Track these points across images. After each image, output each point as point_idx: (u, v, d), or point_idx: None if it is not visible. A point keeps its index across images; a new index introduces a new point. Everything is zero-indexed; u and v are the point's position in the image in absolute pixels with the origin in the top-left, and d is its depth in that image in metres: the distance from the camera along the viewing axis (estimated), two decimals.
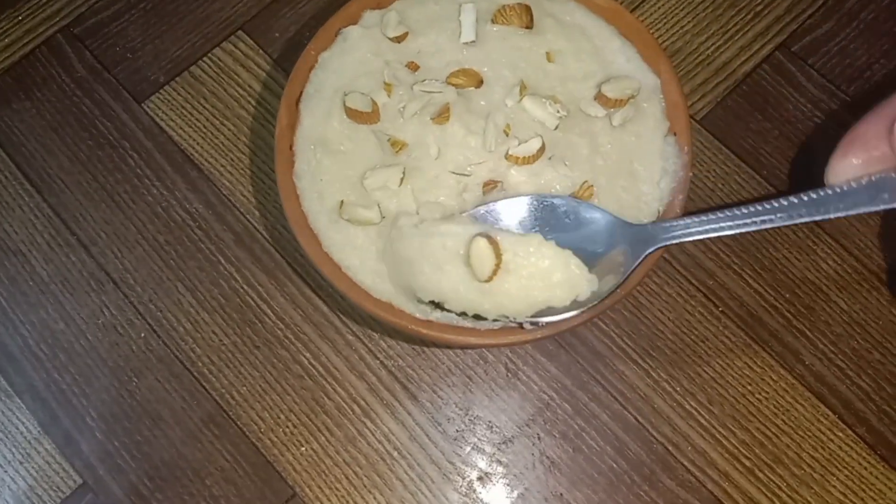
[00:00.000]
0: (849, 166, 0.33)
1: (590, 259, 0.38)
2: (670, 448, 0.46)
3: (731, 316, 0.49)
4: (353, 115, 0.40)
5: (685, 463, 0.46)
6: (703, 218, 0.37)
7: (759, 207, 0.35)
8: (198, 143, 0.53)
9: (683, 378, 0.47)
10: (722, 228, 0.36)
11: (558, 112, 0.41)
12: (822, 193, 0.34)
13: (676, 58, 0.54)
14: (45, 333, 0.49)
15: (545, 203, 0.39)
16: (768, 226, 0.35)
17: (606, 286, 0.38)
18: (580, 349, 0.48)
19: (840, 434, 0.46)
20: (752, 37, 0.55)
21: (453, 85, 0.41)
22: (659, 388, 0.47)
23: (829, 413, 0.47)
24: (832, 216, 0.34)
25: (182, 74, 0.54)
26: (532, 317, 0.38)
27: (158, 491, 0.46)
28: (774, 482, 0.46)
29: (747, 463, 0.46)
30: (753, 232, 0.36)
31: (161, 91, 0.54)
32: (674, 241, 0.38)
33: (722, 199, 0.51)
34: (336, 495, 0.46)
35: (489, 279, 0.37)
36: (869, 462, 0.46)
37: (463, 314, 0.39)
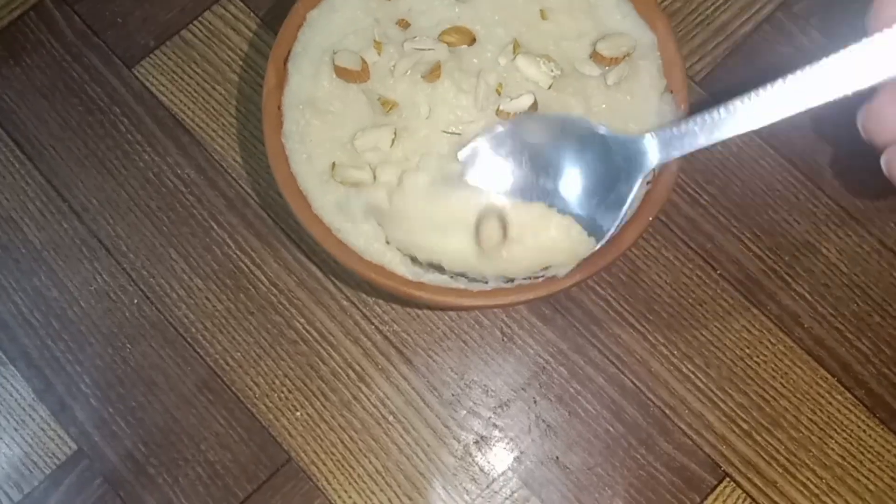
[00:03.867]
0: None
1: (593, 193, 0.38)
2: (667, 411, 0.46)
3: (729, 279, 0.48)
4: (342, 73, 0.40)
5: (682, 426, 0.46)
6: (708, 117, 0.32)
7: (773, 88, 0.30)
8: (189, 108, 0.52)
9: (680, 341, 0.47)
10: (738, 126, 0.31)
11: (552, 71, 0.40)
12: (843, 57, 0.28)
13: (675, 18, 0.53)
14: (37, 301, 0.49)
15: (542, 123, 0.39)
16: (790, 112, 0.30)
17: (609, 222, 0.38)
18: (576, 313, 0.48)
19: (839, 397, 0.46)
20: None
21: (445, 43, 0.40)
22: (656, 352, 0.47)
23: (828, 376, 0.46)
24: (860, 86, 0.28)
25: (172, 38, 0.53)
26: (532, 276, 0.39)
27: (153, 456, 0.46)
28: (772, 445, 0.45)
29: (745, 426, 0.46)
30: (771, 125, 0.31)
31: (151, 56, 0.53)
32: (675, 155, 0.35)
33: (720, 161, 0.50)
34: (331, 460, 0.46)
35: (494, 251, 0.38)
36: (868, 425, 0.46)
37: (460, 275, 0.39)
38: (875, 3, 0.28)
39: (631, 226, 0.39)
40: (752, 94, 0.31)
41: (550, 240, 0.38)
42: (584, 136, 0.38)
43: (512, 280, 0.39)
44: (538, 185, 0.39)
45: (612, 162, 0.38)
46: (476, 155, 0.39)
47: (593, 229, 0.38)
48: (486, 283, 0.39)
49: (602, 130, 0.38)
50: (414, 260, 0.39)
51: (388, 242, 0.39)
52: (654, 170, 0.38)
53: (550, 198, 0.39)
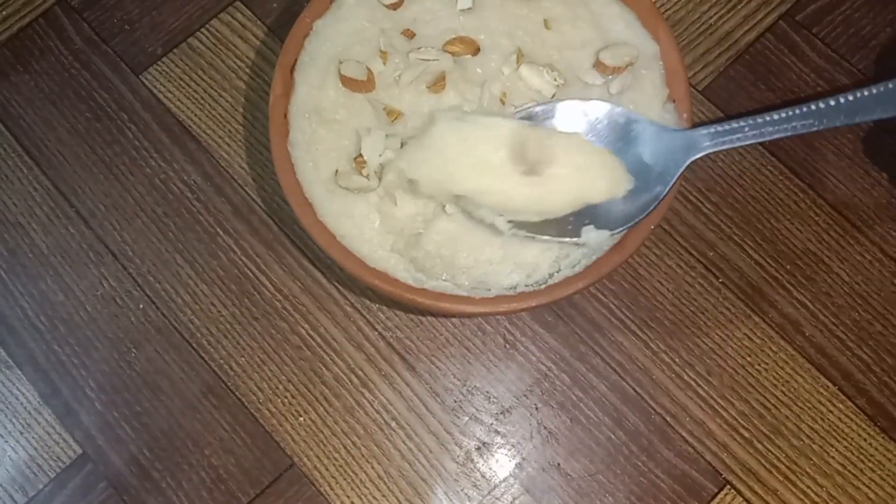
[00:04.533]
0: None
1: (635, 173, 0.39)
2: (668, 419, 0.46)
3: (731, 287, 0.48)
4: (348, 83, 0.40)
5: (683, 434, 0.46)
6: (755, 120, 0.36)
7: (819, 106, 0.34)
8: (195, 115, 0.52)
9: (682, 349, 0.47)
10: (778, 131, 0.36)
11: (555, 80, 0.41)
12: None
13: (678, 27, 0.54)
14: (44, 305, 0.49)
15: (581, 108, 0.40)
16: (828, 125, 0.34)
17: (639, 205, 0.38)
18: (578, 320, 0.48)
19: (840, 405, 0.46)
20: (756, 6, 0.54)
21: (449, 52, 0.41)
22: (657, 359, 0.47)
23: (829, 384, 0.47)
24: None
25: (180, 46, 0.54)
26: (570, 216, 0.39)
27: (158, 461, 0.46)
28: (773, 453, 0.46)
29: (746, 434, 0.46)
30: (809, 133, 0.35)
31: (159, 63, 0.54)
32: (722, 147, 0.38)
33: (722, 170, 0.50)
34: (334, 465, 0.46)
35: (533, 173, 0.37)
36: (868, 433, 0.46)
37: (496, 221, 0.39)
38: None
39: (633, 233, 0.39)
40: (805, 105, 0.35)
41: (590, 165, 0.38)
42: (632, 122, 0.39)
43: (546, 221, 0.39)
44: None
45: (659, 149, 0.39)
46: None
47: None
48: (489, 291, 0.39)
49: (650, 121, 0.39)
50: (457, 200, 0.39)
51: (392, 250, 0.40)
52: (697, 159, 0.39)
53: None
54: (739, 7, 0.54)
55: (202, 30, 0.54)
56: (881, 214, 0.49)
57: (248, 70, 0.53)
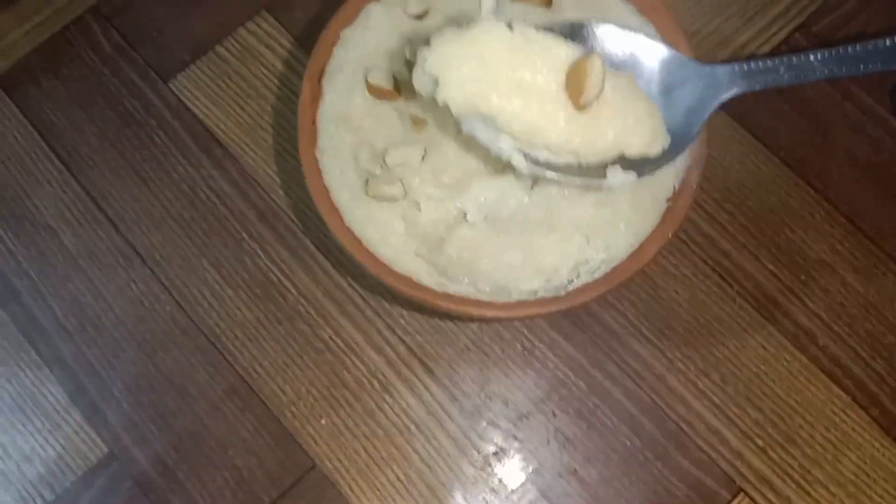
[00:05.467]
0: None
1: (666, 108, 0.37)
2: (684, 426, 0.47)
3: (745, 297, 0.49)
4: (374, 91, 0.41)
5: (698, 441, 0.47)
6: (794, 60, 0.35)
7: (856, 49, 0.34)
8: (222, 122, 0.54)
9: (697, 357, 0.48)
10: (816, 69, 0.35)
11: None
12: None
13: (694, 39, 0.54)
14: (73, 307, 0.50)
15: (623, 39, 0.38)
16: (867, 70, 0.34)
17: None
18: (595, 328, 0.49)
19: (853, 415, 0.47)
20: (772, 18, 0.55)
21: None
22: (673, 368, 0.48)
23: (843, 394, 0.47)
24: None
25: (207, 54, 0.55)
26: (598, 164, 0.36)
27: (182, 461, 0.47)
28: (787, 462, 0.46)
29: (760, 442, 0.47)
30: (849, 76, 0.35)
31: (186, 70, 0.55)
32: (758, 88, 0.36)
33: (738, 180, 0.51)
34: (355, 467, 0.47)
35: (585, 107, 0.34)
36: (882, 444, 0.46)
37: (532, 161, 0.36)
38: None
39: (650, 242, 0.40)
40: (842, 47, 0.34)
41: (636, 113, 0.35)
42: (664, 57, 0.38)
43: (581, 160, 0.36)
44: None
45: (690, 85, 0.38)
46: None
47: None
48: (510, 296, 0.40)
49: (683, 55, 0.38)
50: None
51: (416, 255, 0.40)
52: (731, 99, 0.37)
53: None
54: (755, 19, 0.55)
55: (229, 38, 0.55)
56: (895, 226, 0.50)
57: (273, 78, 0.54)
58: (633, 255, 0.40)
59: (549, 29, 0.37)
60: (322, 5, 0.56)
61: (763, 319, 0.49)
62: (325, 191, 0.41)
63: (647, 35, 0.43)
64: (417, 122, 0.41)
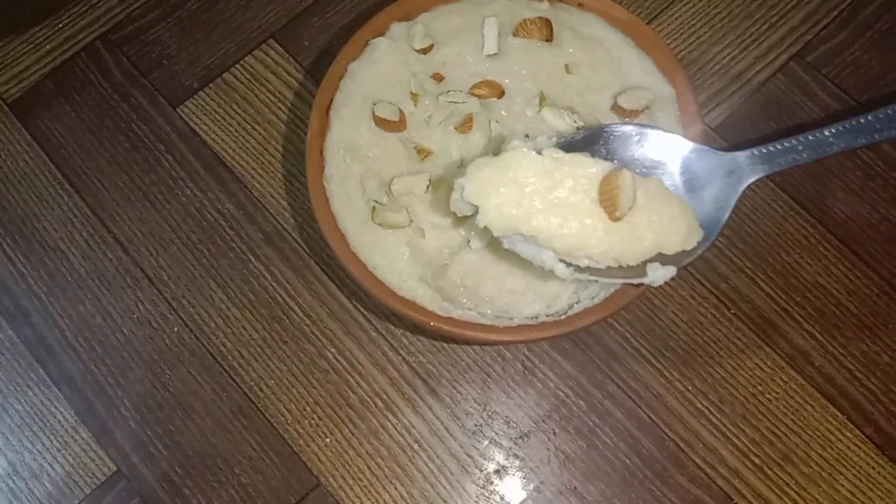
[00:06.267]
0: None
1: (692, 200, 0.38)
2: (682, 445, 0.48)
3: (742, 318, 0.50)
4: (381, 123, 0.42)
5: (696, 460, 0.48)
6: (811, 138, 0.36)
7: (868, 119, 0.35)
8: (230, 147, 0.55)
9: (695, 378, 0.49)
10: (833, 143, 0.36)
11: (575, 122, 0.43)
12: None
13: (692, 67, 0.56)
14: (82, 327, 0.51)
15: (618, 133, 0.39)
16: (881, 139, 0.35)
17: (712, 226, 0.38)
18: (595, 348, 0.50)
19: (848, 434, 0.48)
20: (768, 47, 0.56)
21: (476, 96, 0.43)
22: (671, 387, 0.49)
23: (838, 414, 0.48)
24: None
25: (215, 81, 0.56)
26: (639, 264, 0.37)
27: (189, 479, 0.48)
28: (783, 480, 0.47)
29: (757, 461, 0.47)
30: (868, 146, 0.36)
31: (195, 97, 0.56)
32: (779, 169, 0.37)
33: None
34: (358, 485, 0.48)
35: (620, 218, 0.35)
36: (877, 462, 0.47)
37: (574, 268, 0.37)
38: None
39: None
40: (855, 119, 0.35)
41: (670, 213, 0.36)
42: (685, 151, 0.39)
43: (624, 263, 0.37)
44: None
45: (714, 175, 0.39)
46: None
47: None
48: (511, 320, 0.41)
49: (704, 146, 0.39)
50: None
51: (420, 280, 0.41)
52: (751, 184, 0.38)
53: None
54: (752, 48, 0.56)
55: (237, 65, 0.57)
56: (889, 250, 0.51)
57: (280, 104, 0.56)
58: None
59: (572, 139, 0.39)
60: (328, 35, 0.57)
61: (759, 340, 0.50)
62: (332, 218, 0.42)
63: (644, 70, 0.44)
64: (422, 152, 0.42)
